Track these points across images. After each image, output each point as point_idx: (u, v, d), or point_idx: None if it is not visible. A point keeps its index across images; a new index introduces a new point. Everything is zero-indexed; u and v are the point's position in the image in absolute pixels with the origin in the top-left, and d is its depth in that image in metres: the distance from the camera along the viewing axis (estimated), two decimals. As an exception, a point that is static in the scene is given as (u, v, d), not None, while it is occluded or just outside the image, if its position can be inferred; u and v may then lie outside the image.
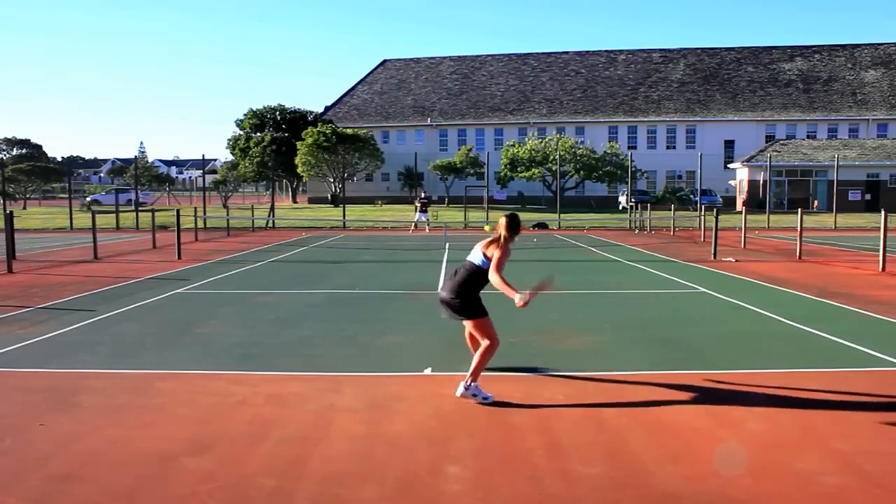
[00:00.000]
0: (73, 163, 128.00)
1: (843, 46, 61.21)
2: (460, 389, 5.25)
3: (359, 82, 65.60)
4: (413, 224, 28.39)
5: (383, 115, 61.04)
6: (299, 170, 51.10)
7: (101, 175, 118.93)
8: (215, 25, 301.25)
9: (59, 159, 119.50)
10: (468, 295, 5.33)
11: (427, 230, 27.61)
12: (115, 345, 7.23)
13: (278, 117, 59.97)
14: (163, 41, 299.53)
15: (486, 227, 5.43)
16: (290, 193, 67.12)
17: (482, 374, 5.36)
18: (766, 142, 51.63)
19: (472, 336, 5.65)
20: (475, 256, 5.39)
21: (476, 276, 5.35)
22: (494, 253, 5.28)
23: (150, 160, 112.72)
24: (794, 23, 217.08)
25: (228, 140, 60.38)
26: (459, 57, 66.63)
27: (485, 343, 5.31)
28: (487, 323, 5.35)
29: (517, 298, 5.03)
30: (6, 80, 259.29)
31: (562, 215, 33.50)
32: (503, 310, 9.30)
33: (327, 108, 62.94)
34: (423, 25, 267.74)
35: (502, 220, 5.42)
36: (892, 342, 7.22)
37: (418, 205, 28.94)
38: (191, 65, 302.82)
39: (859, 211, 38.88)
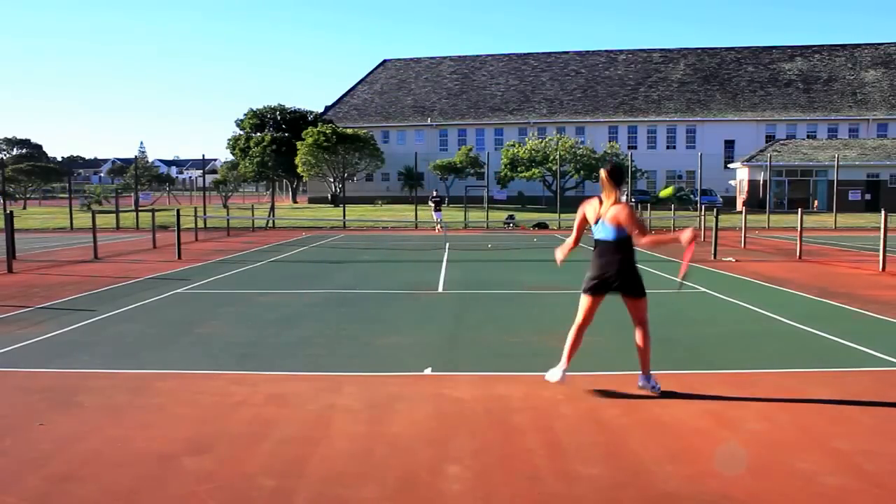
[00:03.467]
0: (73, 163, 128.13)
1: (843, 46, 61.20)
2: (648, 383, 5.32)
3: (359, 82, 65.62)
4: (437, 224, 27.95)
5: (383, 115, 61.05)
6: (299, 170, 51.11)
7: (102, 175, 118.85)
8: (215, 25, 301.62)
9: (59, 159, 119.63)
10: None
11: (438, 230, 27.15)
12: (115, 345, 7.23)
13: (278, 117, 59.98)
14: (163, 41, 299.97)
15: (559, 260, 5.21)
16: (291, 193, 67.13)
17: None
18: (766, 142, 51.63)
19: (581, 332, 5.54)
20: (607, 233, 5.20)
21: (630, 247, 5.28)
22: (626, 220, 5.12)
23: (150, 160, 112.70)
24: (794, 23, 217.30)
25: (228, 140, 60.41)
26: (459, 57, 66.63)
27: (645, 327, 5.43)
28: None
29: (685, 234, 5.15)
30: (6, 80, 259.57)
31: (562, 215, 33.49)
32: (503, 309, 9.33)
33: (327, 108, 62.96)
34: (423, 25, 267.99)
35: (603, 175, 5.23)
36: (892, 342, 7.21)
37: (432, 204, 28.66)
38: (191, 65, 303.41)
39: (859, 211, 38.87)
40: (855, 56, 59.91)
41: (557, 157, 43.33)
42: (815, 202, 43.39)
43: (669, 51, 63.42)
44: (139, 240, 22.23)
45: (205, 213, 27.07)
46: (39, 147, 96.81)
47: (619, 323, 8.43)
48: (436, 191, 31.25)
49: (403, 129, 60.20)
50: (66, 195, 39.34)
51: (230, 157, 62.17)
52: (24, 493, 3.66)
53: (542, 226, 30.89)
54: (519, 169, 48.42)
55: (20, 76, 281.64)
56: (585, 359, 6.68)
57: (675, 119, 56.58)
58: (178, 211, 18.61)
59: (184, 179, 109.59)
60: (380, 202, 50.73)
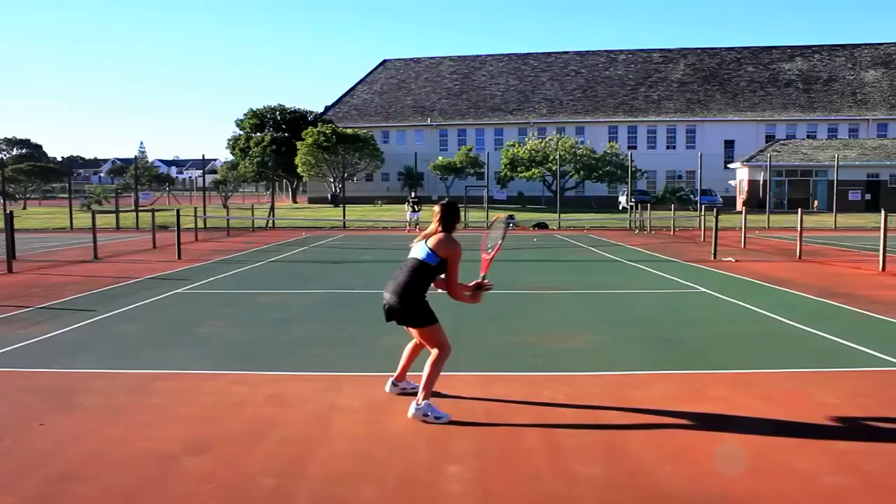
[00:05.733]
0: (73, 163, 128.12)
1: (843, 46, 61.21)
2: (411, 410, 4.70)
3: (359, 82, 65.61)
4: (408, 223, 27.95)
5: (383, 115, 61.05)
6: (299, 170, 51.11)
7: (102, 175, 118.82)
8: (215, 25, 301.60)
9: (59, 159, 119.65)
10: (416, 298, 4.80)
11: (416, 230, 27.12)
12: (115, 345, 7.23)
13: (278, 117, 59.97)
14: (163, 41, 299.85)
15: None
16: (290, 193, 67.13)
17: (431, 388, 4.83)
18: (766, 142, 51.62)
19: (415, 346, 5.20)
20: (419, 251, 4.83)
21: (422, 275, 4.78)
22: (447, 255, 4.73)
23: (150, 160, 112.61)
24: (794, 23, 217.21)
25: (228, 140, 60.42)
26: (459, 57, 66.63)
27: (434, 353, 4.80)
28: (438, 330, 4.81)
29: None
30: (6, 80, 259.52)
31: (562, 215, 33.50)
32: (502, 309, 9.32)
33: (327, 108, 62.96)
34: (423, 25, 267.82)
35: (436, 209, 4.85)
36: (892, 342, 7.21)
37: (409, 205, 28.52)
38: (191, 65, 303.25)
39: (859, 211, 38.86)
40: (855, 56, 59.91)
41: (557, 157, 43.33)
42: (815, 202, 43.38)
43: (669, 51, 63.42)
44: (139, 240, 22.22)
45: (205, 213, 27.07)
46: (39, 147, 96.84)
47: (618, 323, 8.44)
48: (413, 192, 31.01)
49: (403, 129, 60.20)
50: (66, 195, 39.33)
51: (230, 157, 62.16)
52: (24, 493, 3.66)
53: (542, 226, 30.88)
54: (519, 169, 48.42)
55: (20, 76, 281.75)
56: (585, 359, 6.68)
57: (675, 119, 56.59)
58: (177, 211, 18.61)
59: (184, 179, 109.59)
60: (380, 202, 50.74)
